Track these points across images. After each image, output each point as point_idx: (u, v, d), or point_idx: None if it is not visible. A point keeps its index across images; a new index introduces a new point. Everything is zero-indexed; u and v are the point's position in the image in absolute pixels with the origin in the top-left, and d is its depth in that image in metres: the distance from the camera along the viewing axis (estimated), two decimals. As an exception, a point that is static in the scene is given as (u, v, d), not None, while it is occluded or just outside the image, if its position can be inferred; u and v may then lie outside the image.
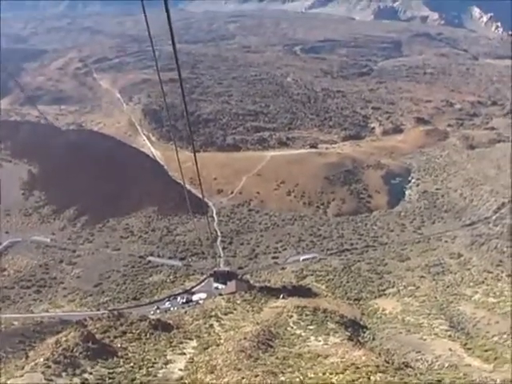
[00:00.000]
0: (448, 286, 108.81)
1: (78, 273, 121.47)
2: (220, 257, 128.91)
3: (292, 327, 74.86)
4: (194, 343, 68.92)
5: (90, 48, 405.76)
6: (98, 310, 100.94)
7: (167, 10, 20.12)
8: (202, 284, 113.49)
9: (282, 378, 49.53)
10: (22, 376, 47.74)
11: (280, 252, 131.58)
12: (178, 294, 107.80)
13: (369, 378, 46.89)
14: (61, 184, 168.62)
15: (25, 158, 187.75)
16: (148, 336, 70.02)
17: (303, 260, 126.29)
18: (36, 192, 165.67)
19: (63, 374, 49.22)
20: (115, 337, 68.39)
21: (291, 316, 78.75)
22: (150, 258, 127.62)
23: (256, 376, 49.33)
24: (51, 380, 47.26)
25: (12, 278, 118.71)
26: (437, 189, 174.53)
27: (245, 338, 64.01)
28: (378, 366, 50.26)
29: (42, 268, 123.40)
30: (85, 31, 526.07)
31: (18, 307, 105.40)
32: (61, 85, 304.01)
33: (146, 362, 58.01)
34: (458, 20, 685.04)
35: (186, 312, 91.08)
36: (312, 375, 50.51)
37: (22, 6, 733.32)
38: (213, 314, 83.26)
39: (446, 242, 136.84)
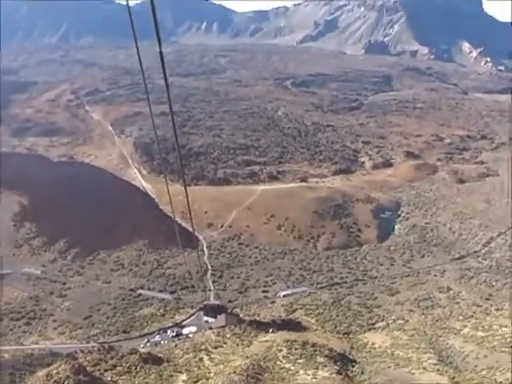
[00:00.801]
0: (437, 320, 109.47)
1: (69, 305, 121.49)
2: (210, 290, 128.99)
3: (281, 361, 75.51)
4: (184, 377, 69.58)
5: (82, 80, 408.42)
6: (88, 342, 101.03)
7: (159, 45, 20.30)
8: (192, 317, 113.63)
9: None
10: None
11: (270, 286, 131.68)
12: (168, 328, 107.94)
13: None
14: (52, 216, 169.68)
15: (15, 190, 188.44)
16: (138, 369, 70.60)
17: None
18: (27, 224, 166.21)
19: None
20: (106, 370, 69.03)
21: (281, 350, 79.36)
22: (141, 291, 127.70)
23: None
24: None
25: (2, 309, 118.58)
26: (426, 223, 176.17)
27: (234, 372, 64.75)
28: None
29: (32, 300, 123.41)
30: (78, 63, 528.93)
31: (7, 339, 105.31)
32: (52, 117, 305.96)
33: (136, 396, 58.63)
34: (447, 54, 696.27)
35: (176, 345, 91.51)
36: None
37: (13, 36, 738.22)
38: (203, 347, 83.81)
39: (436, 275, 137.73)
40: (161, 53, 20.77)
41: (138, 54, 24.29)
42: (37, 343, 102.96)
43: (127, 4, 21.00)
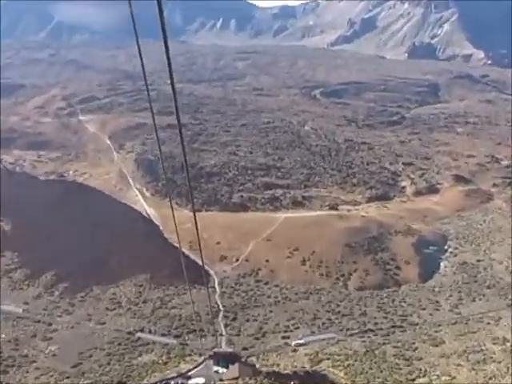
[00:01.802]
0: (491, 378, 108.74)
1: (54, 350, 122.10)
2: (222, 335, 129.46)
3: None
4: None
5: (75, 85, 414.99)
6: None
7: (166, 44, 19.96)
8: (200, 367, 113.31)
9: None
10: None
11: (292, 331, 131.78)
12: (172, 378, 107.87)
13: None
14: (37, 244, 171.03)
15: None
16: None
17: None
18: (7, 253, 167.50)
19: None
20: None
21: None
22: (140, 335, 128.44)
23: None
24: None
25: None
26: (478, 260, 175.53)
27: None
28: None
29: (11, 344, 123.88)
30: (70, 64, 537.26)
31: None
32: (40, 126, 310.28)
33: None
34: (507, 59, 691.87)
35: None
36: None
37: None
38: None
39: (489, 323, 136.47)
40: (167, 54, 20.56)
41: (141, 55, 24.23)
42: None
43: None
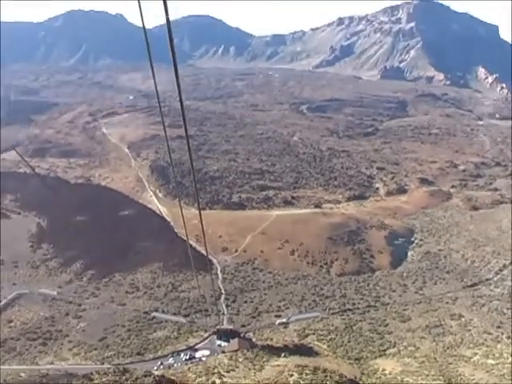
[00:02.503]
0: (448, 347, 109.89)
1: (84, 326, 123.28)
2: (223, 314, 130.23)
3: (292, 386, 76.76)
4: (196, 399, 71.01)
5: (99, 102, 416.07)
6: (103, 364, 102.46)
7: (175, 67, 20.52)
8: (206, 341, 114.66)
9: None
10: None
11: (283, 311, 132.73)
12: (182, 351, 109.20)
13: None
14: (68, 237, 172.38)
15: (34, 211, 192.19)
16: (152, 391, 72.07)
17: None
18: (44, 245, 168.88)
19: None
20: (121, 391, 70.65)
21: (292, 375, 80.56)
22: (155, 314, 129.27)
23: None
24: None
25: (18, 329, 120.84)
26: (439, 250, 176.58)
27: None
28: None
29: (48, 320, 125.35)
30: (95, 85, 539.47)
31: (23, 359, 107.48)
32: (70, 138, 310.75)
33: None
34: (463, 80, 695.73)
35: (189, 369, 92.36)
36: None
37: (32, 57, 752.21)
38: (215, 371, 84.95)
39: (447, 303, 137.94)
40: (177, 76, 21.07)
41: (154, 76, 24.91)
42: (52, 363, 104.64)
43: (143, 26, 21.75)
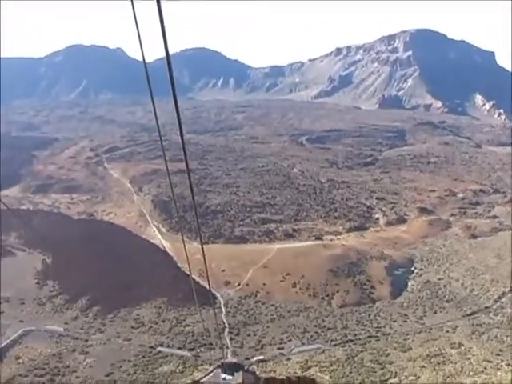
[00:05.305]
0: (448, 376, 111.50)
1: (91, 362, 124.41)
2: (227, 348, 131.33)
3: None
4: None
5: (101, 137, 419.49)
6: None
7: (175, 102, 19.90)
8: (210, 375, 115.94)
9: None
10: None
11: (285, 343, 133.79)
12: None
13: None
14: (73, 274, 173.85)
15: (38, 248, 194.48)
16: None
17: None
18: (49, 281, 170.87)
19: None
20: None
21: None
22: (160, 349, 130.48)
23: None
24: None
25: (26, 365, 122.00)
26: (439, 279, 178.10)
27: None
28: None
29: (55, 357, 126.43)
30: (96, 120, 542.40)
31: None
32: (72, 173, 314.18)
33: None
34: (461, 108, 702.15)
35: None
36: None
37: (33, 92, 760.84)
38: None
39: (448, 331, 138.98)
40: (177, 110, 20.55)
41: (155, 110, 24.36)
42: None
43: (143, 60, 21.17)
